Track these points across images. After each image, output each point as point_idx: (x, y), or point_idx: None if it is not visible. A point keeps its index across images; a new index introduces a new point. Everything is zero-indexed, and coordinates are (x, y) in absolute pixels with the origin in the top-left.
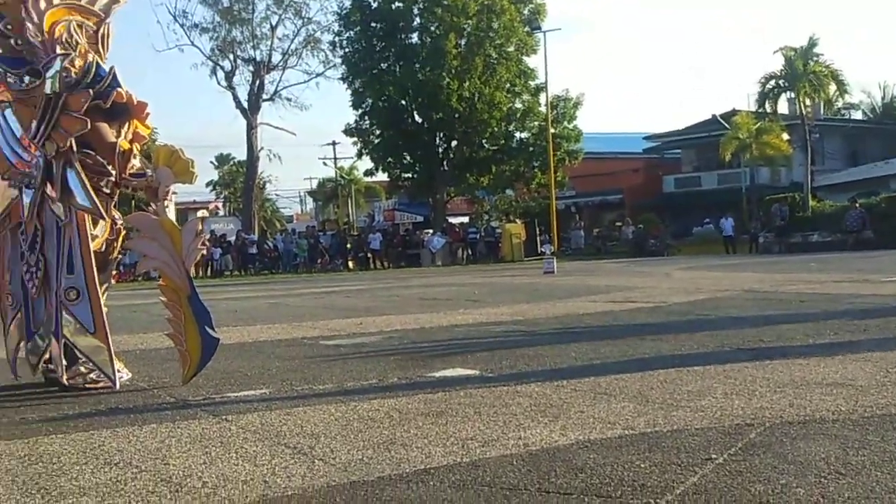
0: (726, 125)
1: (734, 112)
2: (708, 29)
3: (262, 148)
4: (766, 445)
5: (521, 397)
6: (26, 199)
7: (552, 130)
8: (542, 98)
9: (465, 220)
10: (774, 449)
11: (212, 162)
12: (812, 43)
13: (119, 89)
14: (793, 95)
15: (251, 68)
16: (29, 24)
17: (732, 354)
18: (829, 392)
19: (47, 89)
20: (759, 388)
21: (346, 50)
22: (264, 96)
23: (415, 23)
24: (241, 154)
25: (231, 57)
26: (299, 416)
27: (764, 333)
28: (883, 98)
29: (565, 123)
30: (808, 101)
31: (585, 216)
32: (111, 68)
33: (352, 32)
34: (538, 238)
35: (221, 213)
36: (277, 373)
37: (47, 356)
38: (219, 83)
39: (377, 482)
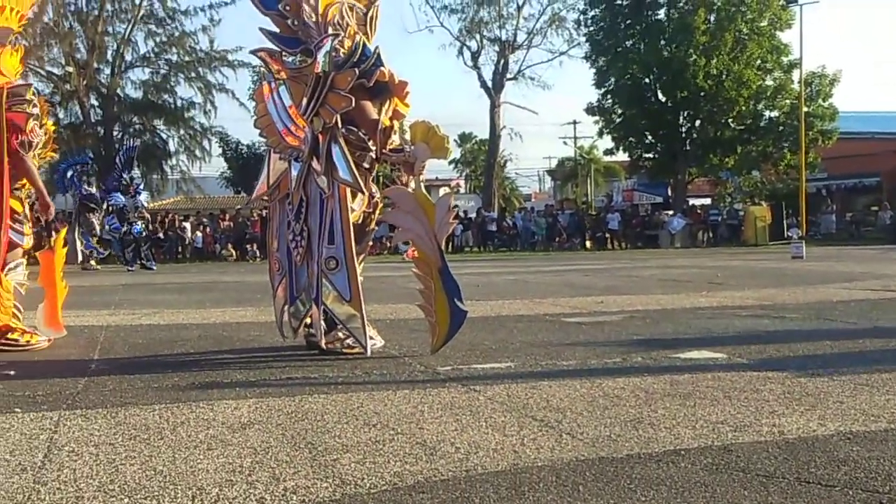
0: None
1: None
2: None
3: (503, 127)
4: None
5: (773, 384)
6: (294, 172)
7: (805, 109)
8: (796, 75)
9: (707, 201)
10: None
11: (455, 140)
12: None
13: (382, 68)
14: None
15: (496, 48)
16: (305, 6)
17: None
18: None
19: (318, 69)
20: None
21: (591, 28)
22: (508, 75)
23: None
24: (483, 133)
25: (478, 37)
26: (544, 390)
27: None
28: None
29: (819, 101)
30: None
31: (837, 200)
32: (376, 48)
33: (597, 10)
34: (784, 222)
35: (463, 190)
36: (521, 347)
37: (308, 321)
38: (465, 63)
39: (626, 460)
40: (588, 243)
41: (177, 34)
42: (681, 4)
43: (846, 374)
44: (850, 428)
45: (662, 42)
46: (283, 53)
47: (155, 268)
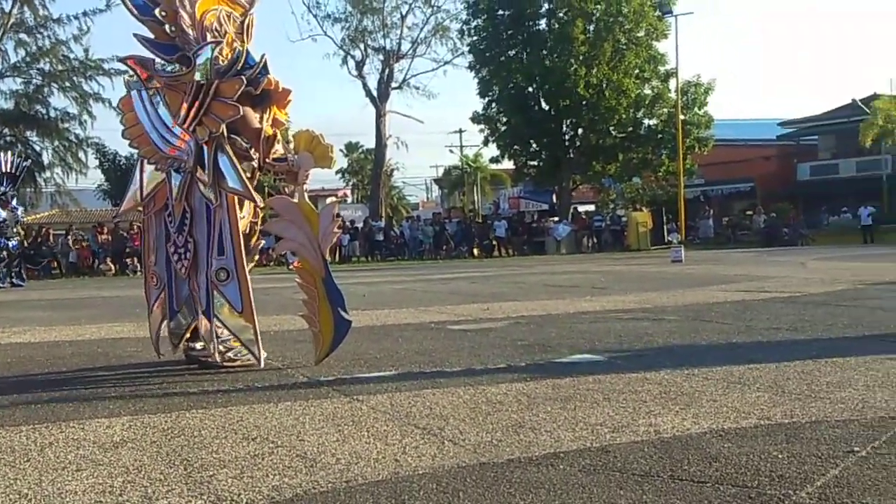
0: (866, 110)
1: (875, 96)
2: (847, 8)
3: (389, 136)
4: None
5: (651, 384)
6: (174, 183)
7: (682, 117)
8: (672, 84)
9: (591, 208)
10: None
11: (341, 150)
12: None
13: (269, 76)
14: None
15: (381, 57)
16: (182, 12)
17: (874, 346)
18: None
19: (197, 76)
20: None
21: (474, 38)
22: (393, 85)
23: (542, 9)
24: (369, 142)
25: (362, 46)
26: (428, 398)
27: None
28: None
29: (695, 110)
30: None
31: (714, 205)
32: (262, 56)
33: (479, 20)
34: (665, 227)
35: (350, 200)
36: (406, 356)
37: (188, 335)
38: (349, 72)
39: (506, 464)
40: (475, 251)
41: (49, 43)
42: (560, 15)
43: (720, 373)
44: (722, 425)
45: (544, 52)
46: (159, 61)
47: (25, 284)
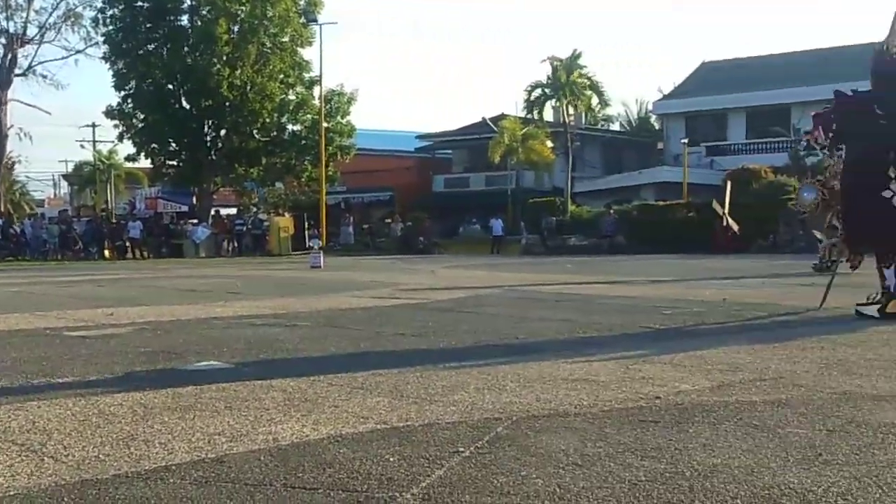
0: (495, 129)
1: (503, 116)
2: (483, 33)
3: (11, 126)
4: (512, 438)
5: (276, 391)
6: None
7: (325, 125)
8: (317, 91)
9: (233, 211)
10: (519, 442)
11: None
12: (576, 55)
13: None
14: (557, 104)
15: (2, 40)
16: None
17: (488, 351)
18: (574, 387)
19: None
20: (510, 384)
21: (110, 28)
22: (17, 71)
23: (185, 4)
24: None
25: None
26: (32, 411)
27: (519, 330)
28: (638, 112)
29: (339, 118)
30: (570, 111)
31: (355, 212)
32: None
33: (116, 10)
34: (307, 233)
35: None
36: (12, 365)
37: None
38: None
39: (112, 480)
40: (107, 253)
41: None
42: (203, 13)
43: (345, 379)
44: (340, 431)
45: (186, 49)
46: None
47: None
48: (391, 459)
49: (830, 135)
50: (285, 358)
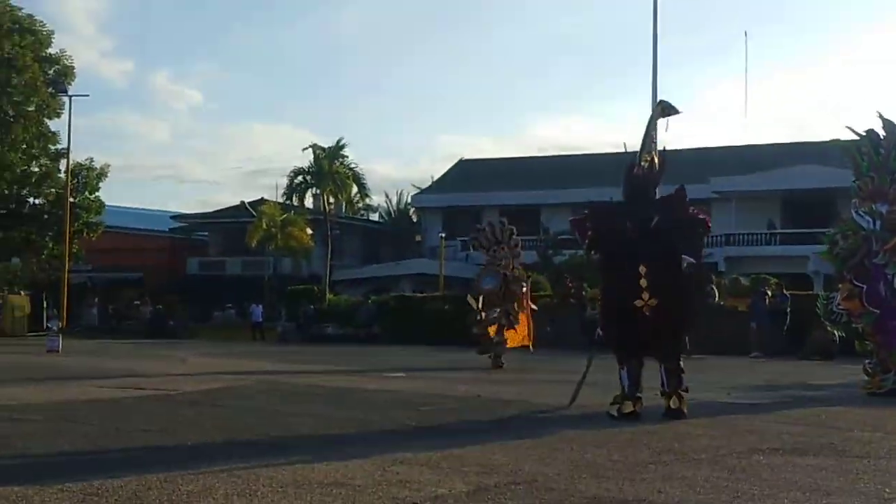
0: (253, 213)
1: (263, 201)
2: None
3: None
4: None
5: None
6: None
7: (71, 199)
8: (63, 164)
9: None
10: None
11: None
12: (340, 145)
13: None
14: (318, 192)
15: None
16: None
17: (239, 450)
18: (329, 492)
19: None
20: (262, 489)
21: None
22: None
23: None
24: None
25: None
26: None
27: (273, 427)
28: (398, 203)
29: (87, 193)
30: (331, 199)
31: (102, 293)
32: None
33: None
34: (45, 312)
35: None
36: None
37: None
38: None
39: None
40: None
41: None
42: None
43: (78, 486)
44: None
45: None
46: None
47: None
48: None
49: (586, 241)
50: (10, 459)
